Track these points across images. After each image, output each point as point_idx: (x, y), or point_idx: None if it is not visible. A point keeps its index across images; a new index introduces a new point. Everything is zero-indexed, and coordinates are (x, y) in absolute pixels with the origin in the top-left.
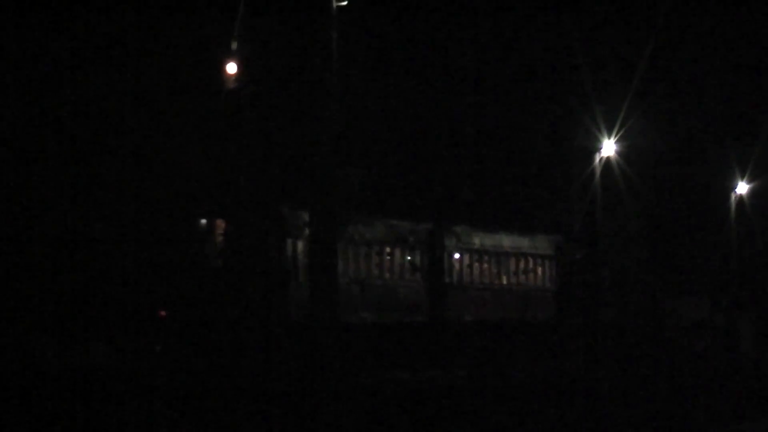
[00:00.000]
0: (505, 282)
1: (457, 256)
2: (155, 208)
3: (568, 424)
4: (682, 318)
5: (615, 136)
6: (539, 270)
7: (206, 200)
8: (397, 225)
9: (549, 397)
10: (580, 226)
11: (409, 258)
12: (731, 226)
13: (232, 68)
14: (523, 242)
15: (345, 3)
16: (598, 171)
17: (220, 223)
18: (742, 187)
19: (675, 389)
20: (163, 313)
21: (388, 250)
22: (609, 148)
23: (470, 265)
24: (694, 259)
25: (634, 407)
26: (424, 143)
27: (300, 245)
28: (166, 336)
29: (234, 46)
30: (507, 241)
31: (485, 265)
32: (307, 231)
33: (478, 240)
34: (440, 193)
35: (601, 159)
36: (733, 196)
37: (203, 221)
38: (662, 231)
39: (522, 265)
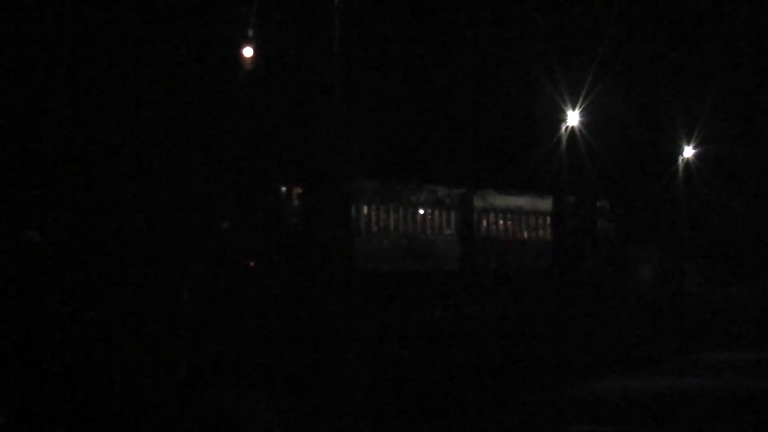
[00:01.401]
0: (525, 236)
1: (484, 214)
2: (244, 179)
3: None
4: (639, 264)
5: (579, 107)
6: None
7: (285, 171)
8: (436, 190)
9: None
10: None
11: (445, 216)
12: (679, 185)
13: (248, 52)
14: (540, 203)
15: None
16: (564, 139)
17: (297, 190)
18: (689, 152)
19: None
20: (252, 264)
21: (429, 210)
22: (573, 118)
23: (495, 222)
24: (648, 214)
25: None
26: (456, 122)
27: (364, 209)
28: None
29: (250, 33)
30: (525, 201)
31: (508, 222)
32: (368, 196)
33: (501, 201)
34: (470, 163)
35: (566, 128)
36: (680, 159)
37: (283, 188)
38: (622, 190)
39: (540, 221)
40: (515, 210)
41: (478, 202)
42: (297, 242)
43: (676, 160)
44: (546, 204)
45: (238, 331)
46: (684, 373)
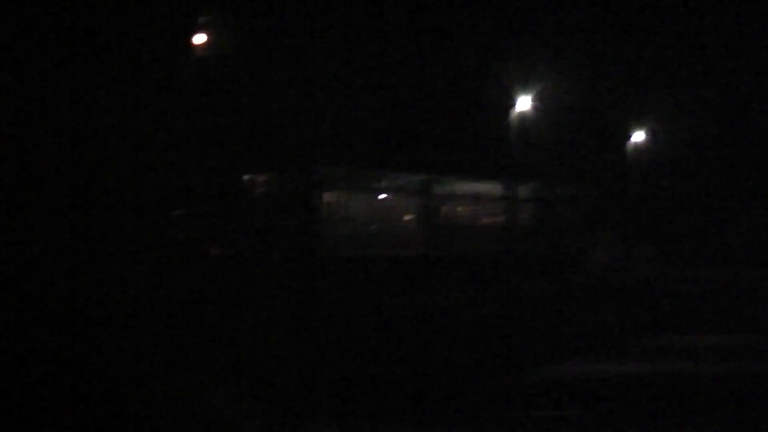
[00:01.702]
0: (486, 221)
1: (444, 201)
2: (207, 167)
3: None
4: (595, 248)
5: (531, 92)
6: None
7: (249, 157)
8: (397, 176)
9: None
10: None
11: (406, 203)
12: (629, 168)
13: (200, 38)
14: (500, 188)
15: None
16: (515, 124)
17: (261, 177)
18: (639, 135)
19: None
20: (215, 251)
21: (391, 197)
22: (525, 102)
23: (455, 208)
24: (605, 197)
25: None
26: (418, 110)
27: (326, 195)
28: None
29: (202, 19)
30: (485, 188)
31: (468, 208)
32: (331, 183)
33: (461, 188)
34: (431, 150)
35: (517, 113)
36: (630, 141)
37: (246, 176)
38: (579, 174)
39: (500, 207)
40: (476, 196)
41: (438, 189)
42: (261, 229)
43: (627, 141)
44: (507, 189)
45: (203, 323)
46: (638, 357)
